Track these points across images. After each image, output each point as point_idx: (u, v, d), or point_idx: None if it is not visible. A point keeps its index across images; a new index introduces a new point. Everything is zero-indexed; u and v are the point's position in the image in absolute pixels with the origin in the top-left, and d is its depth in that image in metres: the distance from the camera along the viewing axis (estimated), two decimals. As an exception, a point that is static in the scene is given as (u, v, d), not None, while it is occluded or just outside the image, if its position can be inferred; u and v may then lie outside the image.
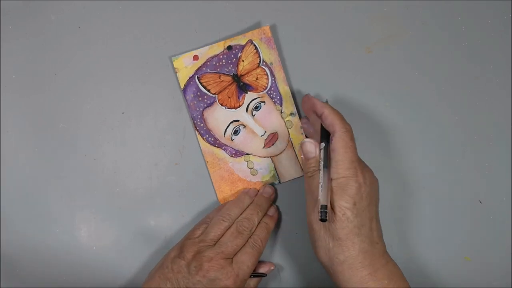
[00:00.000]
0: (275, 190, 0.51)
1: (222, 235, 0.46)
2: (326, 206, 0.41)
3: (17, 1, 0.51)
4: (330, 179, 0.43)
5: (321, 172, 0.43)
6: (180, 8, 0.51)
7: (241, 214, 0.47)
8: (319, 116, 0.45)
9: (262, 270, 0.50)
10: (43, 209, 0.51)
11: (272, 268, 0.50)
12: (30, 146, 0.51)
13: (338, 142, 0.43)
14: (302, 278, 0.52)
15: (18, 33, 0.51)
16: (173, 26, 0.51)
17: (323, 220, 0.41)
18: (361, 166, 0.44)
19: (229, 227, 0.46)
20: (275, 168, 0.51)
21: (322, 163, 0.43)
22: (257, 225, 0.47)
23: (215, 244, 0.45)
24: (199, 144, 0.51)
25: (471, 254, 0.52)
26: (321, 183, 0.42)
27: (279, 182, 0.51)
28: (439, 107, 0.52)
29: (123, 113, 0.51)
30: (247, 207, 0.48)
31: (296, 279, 0.52)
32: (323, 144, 0.45)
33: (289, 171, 0.51)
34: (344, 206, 0.42)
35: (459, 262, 0.52)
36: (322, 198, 0.42)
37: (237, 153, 0.51)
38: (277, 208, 0.51)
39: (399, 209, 0.51)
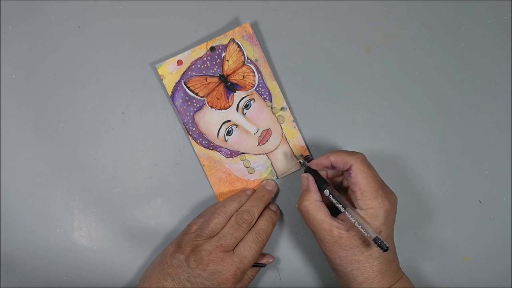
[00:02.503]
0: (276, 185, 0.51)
1: (219, 229, 0.46)
2: (378, 237, 0.40)
3: (17, 1, 0.51)
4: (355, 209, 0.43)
5: (347, 213, 0.43)
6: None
7: (240, 207, 0.47)
8: (331, 167, 0.45)
9: (261, 261, 0.50)
10: (43, 209, 0.51)
11: (271, 260, 0.50)
12: (30, 146, 0.51)
13: (358, 174, 0.43)
14: (302, 278, 0.52)
15: (18, 33, 0.51)
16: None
17: (386, 249, 0.40)
18: (385, 191, 0.44)
19: (225, 221, 0.46)
20: (271, 164, 0.51)
21: (341, 205, 0.43)
22: (262, 218, 0.47)
23: (213, 237, 0.45)
24: (194, 149, 0.51)
25: (471, 254, 0.52)
26: (355, 222, 0.42)
27: (277, 178, 0.51)
28: (439, 107, 0.52)
29: (123, 113, 0.51)
30: (248, 200, 0.48)
31: (296, 279, 0.52)
32: (327, 192, 0.45)
33: (286, 165, 0.51)
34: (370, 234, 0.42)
35: (459, 262, 0.52)
36: (369, 233, 0.41)
37: (232, 154, 0.51)
38: (278, 207, 0.51)
39: (398, 209, 0.51)
